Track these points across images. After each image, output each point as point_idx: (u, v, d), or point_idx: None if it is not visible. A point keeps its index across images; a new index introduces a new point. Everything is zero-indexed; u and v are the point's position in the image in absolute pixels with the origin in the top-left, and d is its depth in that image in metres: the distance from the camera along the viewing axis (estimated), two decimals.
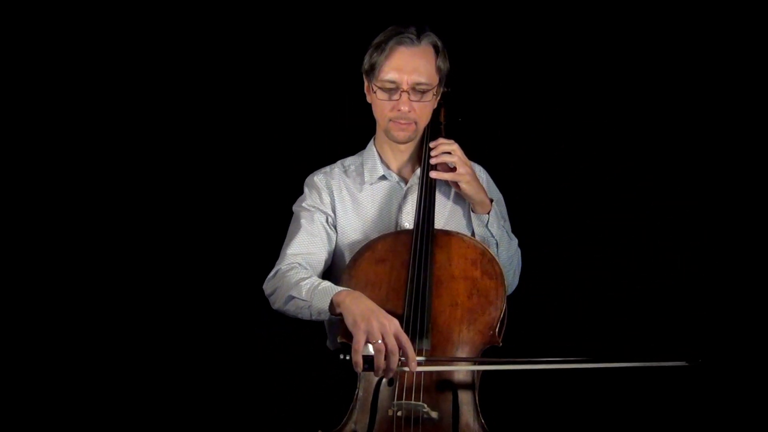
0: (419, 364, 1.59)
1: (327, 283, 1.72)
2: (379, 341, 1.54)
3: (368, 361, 1.54)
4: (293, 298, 1.73)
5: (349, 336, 1.61)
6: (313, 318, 1.74)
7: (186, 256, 2.64)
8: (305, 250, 1.88)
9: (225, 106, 2.64)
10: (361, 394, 1.67)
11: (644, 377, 2.08)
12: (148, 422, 2.49)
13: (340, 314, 1.63)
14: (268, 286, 1.84)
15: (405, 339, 1.56)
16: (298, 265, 1.83)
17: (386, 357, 1.54)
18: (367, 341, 1.54)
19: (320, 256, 1.90)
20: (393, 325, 1.57)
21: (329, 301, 1.66)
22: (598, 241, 2.62)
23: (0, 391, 2.43)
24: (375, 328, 1.55)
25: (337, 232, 1.96)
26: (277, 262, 1.87)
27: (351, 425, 1.65)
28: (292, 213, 1.99)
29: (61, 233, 2.55)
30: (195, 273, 2.64)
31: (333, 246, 1.94)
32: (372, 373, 1.56)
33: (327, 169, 2.03)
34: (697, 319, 2.54)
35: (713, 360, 1.67)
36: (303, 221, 1.92)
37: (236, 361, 2.57)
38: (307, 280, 1.74)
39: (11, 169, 2.51)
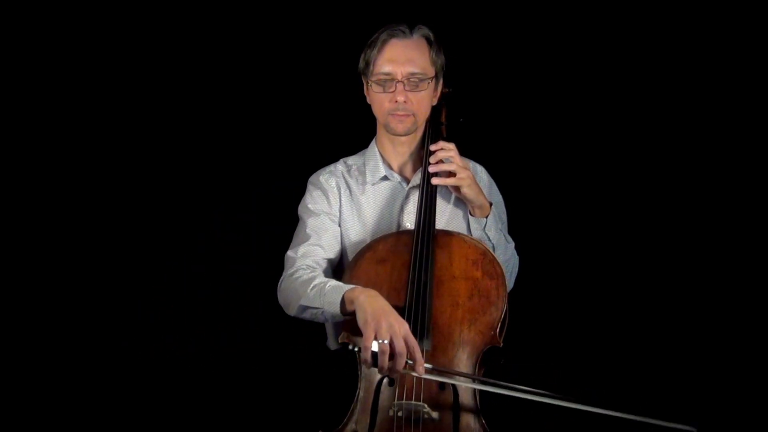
0: (427, 371, 1.59)
1: (334, 283, 1.71)
2: (386, 341, 1.54)
3: (376, 358, 1.55)
4: (306, 308, 1.73)
5: (353, 335, 1.64)
6: (329, 321, 1.79)
7: (185, 256, 2.64)
8: (312, 252, 1.87)
9: (227, 107, 2.64)
10: (361, 394, 1.67)
11: None
12: (148, 422, 2.49)
13: (353, 312, 1.63)
14: (280, 297, 1.83)
15: (413, 343, 1.57)
16: (303, 268, 1.82)
17: (391, 358, 1.54)
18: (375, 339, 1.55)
19: (327, 254, 1.89)
20: (403, 327, 1.57)
21: (340, 300, 1.66)
22: (598, 241, 2.62)
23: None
24: (384, 328, 1.55)
25: (341, 231, 1.96)
26: (286, 267, 1.87)
27: (352, 425, 1.64)
28: (291, 212, 1.98)
29: (60, 233, 2.55)
30: (194, 272, 2.64)
31: (340, 245, 1.94)
32: (376, 370, 1.56)
33: (331, 167, 2.02)
34: (697, 320, 2.54)
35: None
36: (310, 222, 1.91)
37: (236, 361, 2.57)
38: (313, 284, 1.73)
39: (10, 168, 2.51)
